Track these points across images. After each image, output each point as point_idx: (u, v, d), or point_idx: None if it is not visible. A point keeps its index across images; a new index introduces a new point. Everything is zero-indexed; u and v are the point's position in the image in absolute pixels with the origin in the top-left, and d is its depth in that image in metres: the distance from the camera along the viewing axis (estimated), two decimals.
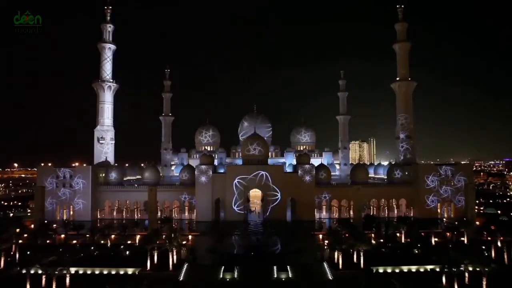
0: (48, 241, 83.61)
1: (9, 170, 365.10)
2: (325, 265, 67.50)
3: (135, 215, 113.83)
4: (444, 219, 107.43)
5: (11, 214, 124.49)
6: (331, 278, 63.21)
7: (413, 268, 64.82)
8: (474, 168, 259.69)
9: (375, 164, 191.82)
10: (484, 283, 56.01)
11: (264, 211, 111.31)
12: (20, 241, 77.43)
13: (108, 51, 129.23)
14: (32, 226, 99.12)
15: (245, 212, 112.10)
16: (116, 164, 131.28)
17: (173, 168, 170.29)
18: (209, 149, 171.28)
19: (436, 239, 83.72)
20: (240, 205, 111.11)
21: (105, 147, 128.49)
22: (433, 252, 70.15)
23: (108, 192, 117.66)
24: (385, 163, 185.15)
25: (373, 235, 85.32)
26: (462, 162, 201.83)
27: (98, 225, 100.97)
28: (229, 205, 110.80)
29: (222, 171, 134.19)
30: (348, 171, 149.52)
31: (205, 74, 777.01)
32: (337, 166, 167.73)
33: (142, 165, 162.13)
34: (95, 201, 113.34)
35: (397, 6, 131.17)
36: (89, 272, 64.58)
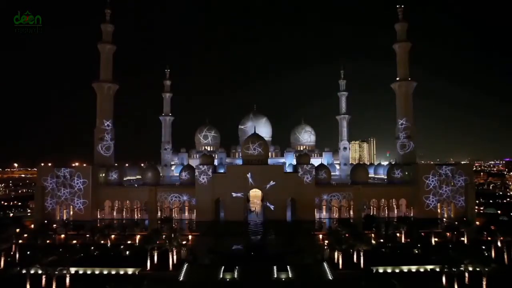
0: (48, 241, 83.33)
1: (9, 170, 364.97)
2: (325, 265, 67.54)
3: (135, 215, 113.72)
4: (444, 219, 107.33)
5: (11, 214, 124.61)
6: (331, 278, 63.27)
7: (413, 268, 64.80)
8: (474, 168, 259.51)
9: (375, 164, 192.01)
10: (484, 283, 56.01)
11: (265, 208, 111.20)
12: (20, 241, 77.48)
13: (108, 51, 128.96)
14: (32, 226, 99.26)
15: (245, 212, 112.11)
16: (116, 164, 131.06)
17: (173, 168, 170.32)
18: (209, 149, 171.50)
19: (436, 239, 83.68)
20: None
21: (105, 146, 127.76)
22: (433, 252, 70.11)
23: (108, 192, 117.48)
24: (385, 163, 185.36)
25: (373, 235, 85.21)
26: (462, 162, 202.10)
27: (98, 225, 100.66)
28: (229, 205, 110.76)
29: (222, 171, 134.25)
30: (348, 171, 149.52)
31: (205, 74, 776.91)
32: (337, 166, 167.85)
33: (142, 165, 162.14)
34: (95, 201, 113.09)
35: (397, 6, 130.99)
36: (89, 272, 64.62)
